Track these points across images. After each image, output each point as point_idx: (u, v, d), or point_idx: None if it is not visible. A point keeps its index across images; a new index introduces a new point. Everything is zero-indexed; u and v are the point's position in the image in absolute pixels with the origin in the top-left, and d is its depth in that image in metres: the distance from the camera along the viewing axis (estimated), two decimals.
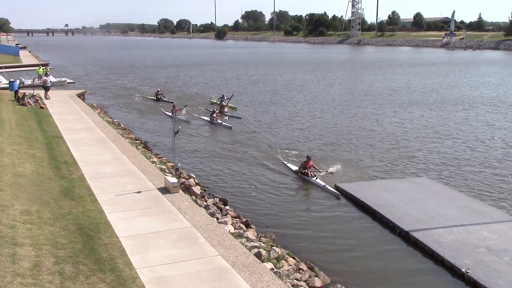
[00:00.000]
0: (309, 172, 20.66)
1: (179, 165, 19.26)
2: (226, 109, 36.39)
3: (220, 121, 32.59)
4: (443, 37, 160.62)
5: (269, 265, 11.94)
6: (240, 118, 34.62)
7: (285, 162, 22.93)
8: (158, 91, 44.26)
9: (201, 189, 18.89)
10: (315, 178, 20.45)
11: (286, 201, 18.27)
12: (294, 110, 38.19)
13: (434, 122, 33.43)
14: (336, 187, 19.37)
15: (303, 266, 12.88)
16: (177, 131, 17.20)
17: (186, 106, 36.12)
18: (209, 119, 33.27)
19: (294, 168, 21.80)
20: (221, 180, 20.70)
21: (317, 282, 12.03)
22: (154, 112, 37.39)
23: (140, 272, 10.56)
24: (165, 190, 16.04)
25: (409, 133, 29.76)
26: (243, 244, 12.74)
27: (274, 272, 11.50)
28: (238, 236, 13.79)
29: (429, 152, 25.32)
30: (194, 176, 20.34)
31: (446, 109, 38.88)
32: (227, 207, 17.03)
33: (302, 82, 58.48)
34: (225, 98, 38.77)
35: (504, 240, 14.24)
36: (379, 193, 18.18)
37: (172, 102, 38.74)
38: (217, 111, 34.50)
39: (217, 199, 17.62)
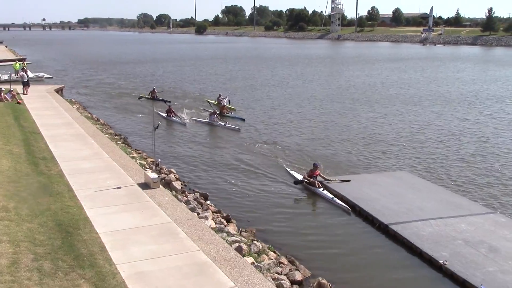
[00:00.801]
0: (316, 182, 18.70)
1: (159, 160, 19.16)
2: (226, 110, 34.02)
3: (223, 123, 30.19)
4: (422, 33, 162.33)
5: (250, 260, 11.98)
6: (244, 120, 31.93)
7: (289, 170, 21.21)
8: (153, 89, 39.96)
9: (181, 184, 18.83)
10: (321, 189, 18.43)
11: (267, 196, 18.30)
12: (271, 106, 38.22)
13: (411, 117, 33.79)
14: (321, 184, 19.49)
15: (283, 260, 12.94)
16: (157, 126, 17.11)
17: (187, 111, 33.34)
18: (208, 120, 31.18)
19: (299, 176, 19.65)
20: (201, 175, 20.65)
21: (298, 275, 12.10)
22: (134, 107, 37.02)
23: (120, 268, 10.49)
24: (145, 186, 15.95)
25: (387, 128, 30.04)
26: (224, 239, 12.75)
27: (255, 266, 11.53)
28: (219, 231, 13.79)
29: (407, 146, 25.60)
30: (174, 172, 20.27)
31: (423, 104, 39.31)
32: (208, 202, 17.01)
33: (281, 77, 58.54)
34: (222, 97, 36.77)
35: (481, 232, 14.49)
36: (358, 187, 18.33)
37: (168, 102, 36.99)
38: (218, 112, 32.44)
39: (198, 194, 17.59)
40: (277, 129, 29.57)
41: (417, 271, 12.81)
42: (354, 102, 40.05)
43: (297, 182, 19.10)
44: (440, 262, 12.69)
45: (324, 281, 8.73)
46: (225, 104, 35.20)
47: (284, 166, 21.73)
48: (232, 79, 56.95)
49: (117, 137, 25.93)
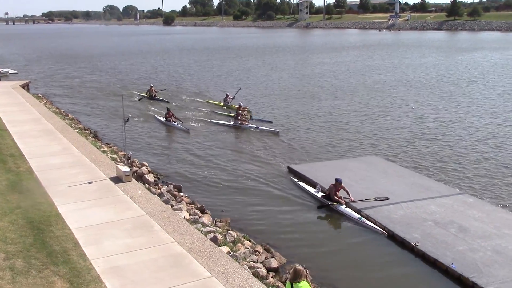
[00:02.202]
0: (339, 199, 15.88)
1: (131, 153, 18.97)
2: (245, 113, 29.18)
3: (255, 126, 26.77)
4: (389, 19, 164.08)
5: (225, 249, 12.02)
6: (271, 122, 28.03)
7: (295, 176, 19.11)
8: (151, 87, 37.32)
9: (154, 177, 18.72)
10: (344, 206, 15.78)
11: (240, 185, 18.35)
12: (239, 95, 38.17)
13: (378, 103, 34.20)
14: (289, 168, 19.61)
15: (259, 248, 13.03)
16: (127, 120, 16.93)
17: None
18: (232, 123, 27.61)
19: (315, 192, 16.95)
20: (174, 167, 20.55)
21: (274, 263, 12.21)
22: (103, 102, 36.48)
23: (95, 263, 10.41)
24: (117, 180, 15.80)
25: (354, 115, 30.36)
26: (199, 230, 12.76)
27: (230, 255, 11.58)
28: (194, 222, 13.79)
29: (375, 132, 25.96)
30: (146, 164, 20.11)
31: (388, 90, 39.86)
32: (182, 194, 16.96)
33: (249, 67, 58.45)
34: (229, 97, 33.39)
35: (450, 212, 14.85)
36: (331, 173, 18.49)
37: (167, 102, 33.88)
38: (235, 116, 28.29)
39: (171, 186, 17.51)
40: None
41: (390, 252, 13.06)
42: (320, 90, 40.24)
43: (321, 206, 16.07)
44: (412, 243, 12.97)
45: (300, 267, 8.82)
46: (241, 105, 29.86)
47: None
48: (201, 69, 56.58)
49: (86, 131, 25.56)
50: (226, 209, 16.05)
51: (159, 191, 16.52)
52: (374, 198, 15.86)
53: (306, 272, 9.04)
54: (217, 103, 34.38)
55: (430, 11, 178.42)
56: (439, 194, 16.52)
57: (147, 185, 16.88)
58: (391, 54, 72.52)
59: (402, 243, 13.29)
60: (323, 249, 13.38)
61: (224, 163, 20.83)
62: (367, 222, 14.60)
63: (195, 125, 27.97)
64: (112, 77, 49.04)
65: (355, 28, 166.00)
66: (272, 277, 11.53)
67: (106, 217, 12.88)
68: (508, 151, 21.99)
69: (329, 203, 15.87)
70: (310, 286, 8.85)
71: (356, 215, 15.06)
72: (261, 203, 16.57)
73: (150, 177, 17.99)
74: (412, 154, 21.92)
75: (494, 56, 66.62)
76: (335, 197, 15.87)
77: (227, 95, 33.89)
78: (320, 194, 16.69)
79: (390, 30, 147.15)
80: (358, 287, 11.60)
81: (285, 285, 9.51)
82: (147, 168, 19.31)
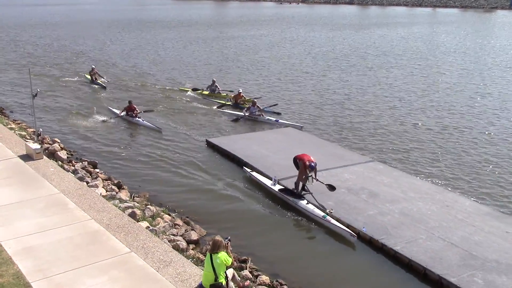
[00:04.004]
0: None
1: (41, 130, 18.14)
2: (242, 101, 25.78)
3: (274, 119, 23.07)
4: None
5: (144, 224, 11.93)
6: (280, 114, 24.19)
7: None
8: (92, 68, 31.48)
9: (67, 153, 18.03)
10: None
11: (156, 158, 18.13)
12: (137, 72, 37.47)
13: (291, 77, 34.87)
14: (207, 142, 19.63)
15: (179, 221, 13.04)
16: (36, 94, 16.09)
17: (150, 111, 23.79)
18: (246, 115, 23.41)
19: (271, 185, 15.34)
20: (88, 143, 19.86)
21: (194, 235, 12.29)
22: (7, 75, 34.23)
23: (5, 245, 10.00)
24: (27, 158, 15.10)
25: (264, 87, 30.80)
26: (116, 206, 12.55)
27: (150, 230, 11.52)
28: (111, 198, 13.51)
29: (288, 103, 26.50)
30: (59, 141, 19.26)
31: (296, 62, 40.71)
32: (97, 170, 16.52)
33: (162, 41, 57.21)
34: (215, 85, 27.96)
35: (361, 179, 15.60)
36: (248, 145, 18.76)
37: (104, 88, 29.12)
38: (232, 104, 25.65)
39: (86, 163, 16.96)
40: (149, 96, 28.65)
41: (304, 221, 13.52)
42: (226, 63, 40.22)
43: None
44: (327, 211, 13.52)
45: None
46: (241, 93, 26.08)
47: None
48: (108, 49, 54.59)
49: None
50: (144, 184, 15.84)
51: (73, 168, 15.97)
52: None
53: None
54: (201, 91, 28.34)
55: None
56: (351, 162, 17.27)
57: (60, 162, 16.24)
58: (302, 27, 73.76)
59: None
60: (242, 218, 13.64)
61: (139, 139, 20.46)
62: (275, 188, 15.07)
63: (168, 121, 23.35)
64: (18, 49, 46.12)
65: (271, 1, 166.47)
66: (192, 249, 11.62)
67: (17, 197, 12.32)
68: (413, 121, 23.27)
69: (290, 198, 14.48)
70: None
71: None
72: (180, 177, 16.51)
73: (62, 154, 17.30)
74: (324, 124, 22.66)
75: (394, 32, 69.63)
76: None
77: (213, 81, 28.19)
78: (277, 187, 15.11)
79: (298, 3, 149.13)
80: (275, 253, 11.96)
81: (205, 256, 9.62)
82: (59, 145, 18.52)
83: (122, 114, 23.15)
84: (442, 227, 12.23)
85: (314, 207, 13.76)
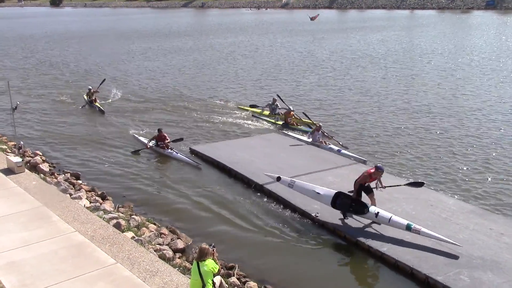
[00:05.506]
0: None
1: (22, 143, 17.93)
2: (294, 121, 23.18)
3: (337, 148, 19.39)
4: None
5: (129, 234, 11.83)
6: (347, 148, 19.73)
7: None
8: (89, 89, 27.61)
9: (49, 166, 17.85)
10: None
11: (140, 169, 18.00)
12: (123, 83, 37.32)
13: (267, 74, 35.00)
14: (191, 150, 19.56)
15: (164, 230, 12.95)
16: (16, 107, 15.94)
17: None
18: (311, 140, 20.24)
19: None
20: (71, 155, 19.66)
21: (180, 243, 12.22)
22: None
23: None
24: (8, 171, 14.93)
25: (246, 95, 30.86)
26: (100, 217, 12.44)
27: (135, 240, 11.43)
28: (95, 209, 13.38)
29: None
30: (40, 153, 19.05)
31: (272, 66, 40.93)
32: (80, 182, 16.36)
33: (134, 52, 57.04)
34: (276, 103, 24.37)
35: (346, 182, 15.57)
36: (232, 152, 18.74)
37: (103, 113, 25.61)
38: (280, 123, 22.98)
39: (69, 175, 16.81)
40: (136, 106, 28.45)
41: (293, 224, 13.51)
42: (197, 74, 40.26)
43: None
44: (313, 214, 13.55)
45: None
46: (292, 111, 23.21)
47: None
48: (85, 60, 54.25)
49: None
50: (128, 194, 15.72)
51: (55, 180, 15.79)
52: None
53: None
54: (255, 110, 25.25)
55: None
56: (335, 165, 17.36)
57: (42, 175, 16.06)
58: (285, 33, 74.09)
59: (304, 214, 13.83)
60: (229, 224, 13.60)
61: (121, 150, 20.17)
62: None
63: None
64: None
65: (250, 7, 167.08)
66: (179, 258, 11.55)
67: None
68: (393, 123, 23.46)
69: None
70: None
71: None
72: (164, 186, 16.42)
73: (45, 167, 17.12)
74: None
75: (371, 36, 70.34)
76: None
77: (274, 100, 24.51)
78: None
79: (288, 8, 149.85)
80: (263, 259, 11.93)
81: (192, 264, 9.56)
82: (41, 158, 18.33)
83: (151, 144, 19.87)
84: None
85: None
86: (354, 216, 13.27)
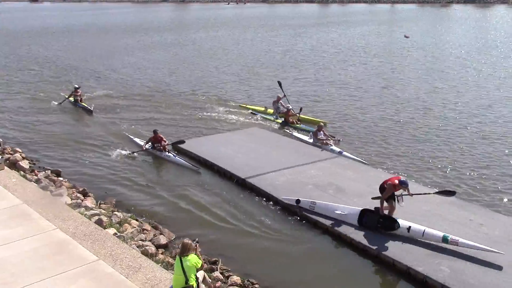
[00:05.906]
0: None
1: (1, 140, 17.69)
2: (295, 119, 22.61)
3: (338, 150, 18.55)
4: None
5: (111, 231, 11.77)
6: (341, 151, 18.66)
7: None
8: (75, 88, 26.38)
9: (29, 163, 17.64)
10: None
11: (121, 165, 17.84)
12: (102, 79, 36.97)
13: (255, 70, 35.00)
14: (173, 146, 19.42)
15: (147, 226, 12.92)
16: None
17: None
18: (312, 140, 19.52)
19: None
20: (51, 152, 19.42)
21: (162, 239, 12.19)
22: None
23: None
24: None
25: (225, 92, 30.84)
26: (82, 214, 12.35)
27: (117, 236, 11.38)
28: (76, 206, 13.28)
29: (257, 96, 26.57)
30: (20, 151, 18.79)
31: (254, 59, 40.94)
32: (61, 179, 16.19)
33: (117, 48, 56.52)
34: (280, 102, 23.60)
35: (328, 175, 15.78)
36: (215, 147, 18.72)
37: (90, 112, 24.49)
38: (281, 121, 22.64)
39: (49, 172, 16.60)
40: (118, 102, 27.71)
41: (275, 217, 13.63)
42: (178, 69, 40.12)
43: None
44: (294, 204, 13.62)
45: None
46: (291, 110, 22.90)
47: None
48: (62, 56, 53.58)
49: None
50: (110, 191, 15.61)
51: (36, 177, 15.61)
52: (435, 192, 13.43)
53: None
54: (259, 108, 24.94)
55: None
56: (318, 158, 17.46)
57: (22, 172, 15.87)
58: (269, 27, 74.05)
59: (287, 208, 13.89)
60: (212, 219, 13.60)
61: (102, 147, 19.88)
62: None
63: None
64: None
65: (231, 2, 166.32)
66: (161, 253, 11.53)
67: None
68: (373, 116, 23.65)
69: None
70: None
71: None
72: (146, 181, 16.34)
73: (24, 164, 16.92)
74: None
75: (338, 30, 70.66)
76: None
77: (278, 98, 23.76)
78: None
79: (244, 3, 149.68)
80: (246, 253, 11.98)
81: (175, 260, 9.56)
82: (21, 155, 18.08)
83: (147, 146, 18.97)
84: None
85: None
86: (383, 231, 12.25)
